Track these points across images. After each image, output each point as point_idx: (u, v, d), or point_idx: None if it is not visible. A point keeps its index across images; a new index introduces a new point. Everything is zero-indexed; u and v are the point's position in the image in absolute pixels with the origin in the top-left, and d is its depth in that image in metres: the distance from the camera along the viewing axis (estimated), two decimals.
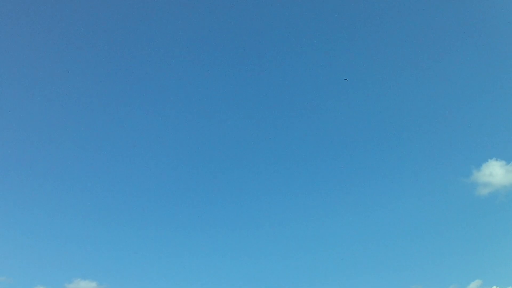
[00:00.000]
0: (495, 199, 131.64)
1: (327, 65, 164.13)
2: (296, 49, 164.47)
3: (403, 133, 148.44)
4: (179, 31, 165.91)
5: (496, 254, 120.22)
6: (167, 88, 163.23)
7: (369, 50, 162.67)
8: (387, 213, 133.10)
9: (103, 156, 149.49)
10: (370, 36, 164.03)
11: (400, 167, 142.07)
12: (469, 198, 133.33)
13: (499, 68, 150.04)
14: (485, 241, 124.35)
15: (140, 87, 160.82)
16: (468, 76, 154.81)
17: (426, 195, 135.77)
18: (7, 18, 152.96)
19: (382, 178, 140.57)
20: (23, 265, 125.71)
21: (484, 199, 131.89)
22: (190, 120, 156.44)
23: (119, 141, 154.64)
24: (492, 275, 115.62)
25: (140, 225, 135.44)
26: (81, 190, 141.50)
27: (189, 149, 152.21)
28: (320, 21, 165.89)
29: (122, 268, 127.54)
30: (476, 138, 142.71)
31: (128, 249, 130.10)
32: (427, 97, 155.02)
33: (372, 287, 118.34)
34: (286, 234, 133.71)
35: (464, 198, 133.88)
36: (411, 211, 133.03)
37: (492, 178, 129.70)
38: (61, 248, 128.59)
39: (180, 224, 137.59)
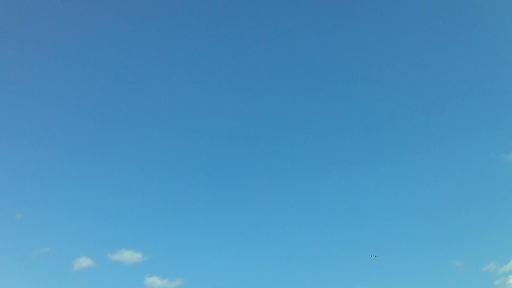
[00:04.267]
0: None
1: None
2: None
3: (444, 110, 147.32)
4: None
5: None
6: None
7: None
8: (429, 191, 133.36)
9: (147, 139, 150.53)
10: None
11: (441, 144, 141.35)
12: (510, 175, 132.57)
13: None
14: None
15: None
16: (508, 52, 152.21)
17: (467, 172, 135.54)
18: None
19: (422, 155, 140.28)
20: (67, 236, 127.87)
21: None
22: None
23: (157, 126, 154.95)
24: None
25: (184, 203, 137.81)
26: (126, 167, 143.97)
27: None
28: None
29: (166, 241, 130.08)
30: None
31: (173, 223, 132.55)
32: (467, 73, 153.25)
33: (415, 262, 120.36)
34: (328, 209, 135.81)
35: (505, 175, 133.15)
36: (453, 188, 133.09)
37: None
38: (105, 220, 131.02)
39: (218, 201, 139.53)
